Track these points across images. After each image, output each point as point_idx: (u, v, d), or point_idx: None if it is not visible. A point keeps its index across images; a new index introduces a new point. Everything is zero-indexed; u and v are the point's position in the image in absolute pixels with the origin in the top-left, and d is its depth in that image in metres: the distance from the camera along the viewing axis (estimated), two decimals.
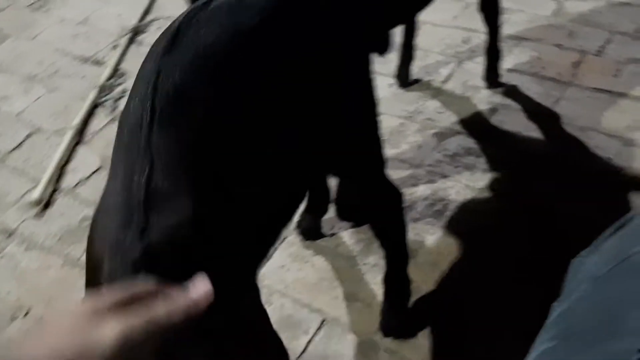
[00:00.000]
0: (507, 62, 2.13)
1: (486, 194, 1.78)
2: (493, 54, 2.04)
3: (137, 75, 0.93)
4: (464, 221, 1.73)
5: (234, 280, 0.87)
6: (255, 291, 0.95)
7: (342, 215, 1.74)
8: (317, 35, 1.04)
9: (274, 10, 0.98)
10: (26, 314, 1.67)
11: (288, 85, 0.98)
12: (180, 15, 0.95)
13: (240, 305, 0.86)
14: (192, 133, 0.86)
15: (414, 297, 1.56)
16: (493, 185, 1.81)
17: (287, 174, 1.02)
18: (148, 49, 0.95)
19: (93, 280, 0.85)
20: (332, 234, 1.74)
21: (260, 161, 0.94)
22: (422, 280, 1.59)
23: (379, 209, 1.38)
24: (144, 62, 0.94)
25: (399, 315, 1.53)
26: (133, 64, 2.40)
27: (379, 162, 1.27)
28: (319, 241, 1.73)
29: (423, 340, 1.50)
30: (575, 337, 0.51)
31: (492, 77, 2.08)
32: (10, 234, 1.88)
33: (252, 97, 0.94)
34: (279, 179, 1.00)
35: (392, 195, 1.35)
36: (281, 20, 0.99)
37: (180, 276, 0.66)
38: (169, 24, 0.96)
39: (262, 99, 0.95)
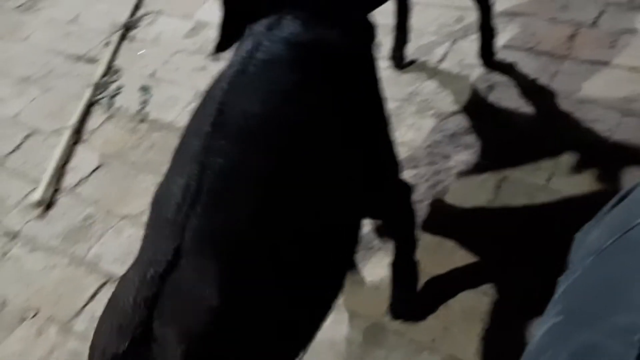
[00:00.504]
0: (502, 38, 2.11)
1: (487, 173, 1.78)
2: (487, 31, 2.03)
3: (180, 148, 0.92)
4: (466, 200, 1.73)
5: None
6: None
7: None
8: (343, 87, 1.03)
9: (302, 74, 0.97)
10: (35, 314, 1.68)
11: (328, 143, 0.97)
12: (219, 84, 0.94)
13: None
14: (242, 216, 0.83)
15: (421, 278, 1.57)
16: (493, 164, 1.80)
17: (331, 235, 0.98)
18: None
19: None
20: None
21: (308, 231, 0.91)
22: (427, 261, 1.60)
23: (391, 204, 1.39)
24: (187, 135, 0.92)
25: (407, 298, 1.53)
26: (126, 61, 2.39)
27: (397, 168, 1.30)
28: None
29: (431, 322, 1.51)
30: (581, 312, 0.50)
31: (487, 55, 2.07)
32: (14, 236, 1.89)
33: (301, 167, 0.91)
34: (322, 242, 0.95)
35: (404, 191, 1.36)
36: (310, 82, 0.98)
37: None
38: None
39: (310, 167, 0.93)
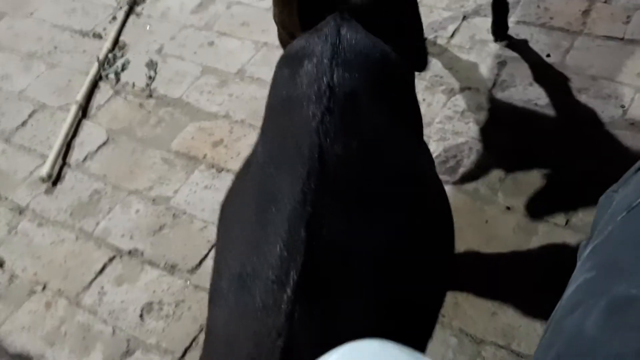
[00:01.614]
0: (514, 14, 2.08)
1: (498, 149, 1.76)
2: (500, 6, 2.00)
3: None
4: (477, 177, 1.71)
5: None
6: None
7: None
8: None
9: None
10: (43, 288, 1.68)
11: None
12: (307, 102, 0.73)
13: None
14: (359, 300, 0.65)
15: None
16: (505, 140, 1.78)
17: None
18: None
19: None
20: None
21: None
22: None
23: None
24: (269, 171, 0.71)
25: None
26: (133, 36, 2.37)
27: None
28: None
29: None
30: (615, 266, 0.49)
31: (499, 31, 2.04)
32: (21, 210, 1.88)
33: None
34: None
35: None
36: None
37: None
38: None
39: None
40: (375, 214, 0.70)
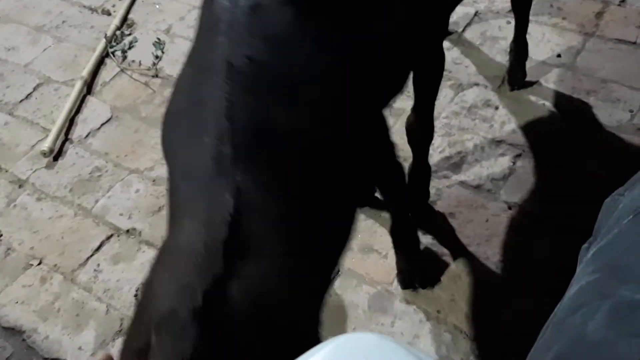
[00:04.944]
0: None
1: (503, 147, 1.75)
2: (520, 49, 1.87)
3: (193, 100, 0.83)
4: (480, 174, 1.70)
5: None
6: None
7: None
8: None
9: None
10: (39, 263, 1.67)
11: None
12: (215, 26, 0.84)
13: None
14: (286, 171, 0.77)
15: (432, 249, 1.55)
16: (510, 138, 1.77)
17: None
18: None
19: (140, 318, 0.72)
20: None
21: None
22: (440, 232, 1.58)
23: (385, 178, 1.38)
24: (193, 82, 0.84)
25: (412, 265, 1.51)
26: (142, 14, 2.35)
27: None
28: None
29: (438, 293, 1.49)
30: (620, 269, 0.48)
31: (516, 78, 1.89)
32: (21, 184, 1.87)
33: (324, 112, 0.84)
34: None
35: (397, 169, 1.36)
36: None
37: (256, 338, 0.63)
38: None
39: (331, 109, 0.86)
40: (289, 102, 0.82)
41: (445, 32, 1.58)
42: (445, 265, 1.53)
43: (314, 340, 0.77)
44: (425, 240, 1.57)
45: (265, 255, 0.71)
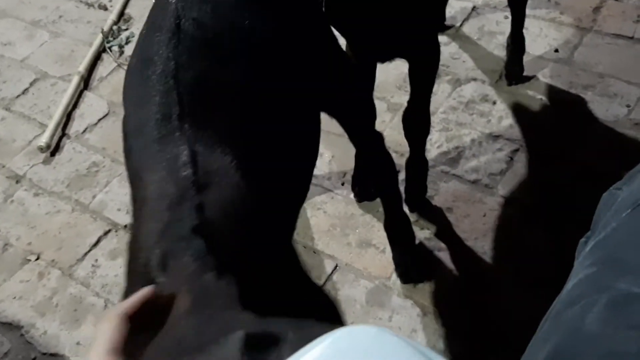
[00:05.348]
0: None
1: (501, 141, 1.75)
2: (517, 43, 1.87)
3: (142, 59, 0.89)
4: (478, 169, 1.70)
5: (280, 242, 0.87)
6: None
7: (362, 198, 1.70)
8: None
9: None
10: (37, 258, 1.67)
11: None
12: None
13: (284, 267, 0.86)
14: (228, 112, 0.84)
15: (429, 243, 1.55)
16: (508, 133, 1.77)
17: (299, 123, 1.01)
18: None
19: (136, 271, 0.77)
20: (343, 183, 1.72)
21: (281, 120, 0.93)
22: (437, 226, 1.58)
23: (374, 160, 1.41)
24: (146, 44, 0.90)
25: (408, 258, 1.52)
26: (139, 9, 2.34)
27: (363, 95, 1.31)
28: (330, 189, 1.71)
29: (437, 287, 1.49)
30: (618, 262, 0.48)
31: (514, 73, 1.90)
32: (18, 179, 1.87)
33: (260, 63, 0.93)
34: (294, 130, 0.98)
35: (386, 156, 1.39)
36: None
37: (238, 248, 0.69)
38: None
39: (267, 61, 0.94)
40: (229, 61, 0.89)
41: (440, 24, 1.60)
42: (442, 259, 1.54)
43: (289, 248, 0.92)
44: (423, 234, 1.58)
45: (228, 184, 0.78)
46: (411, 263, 1.52)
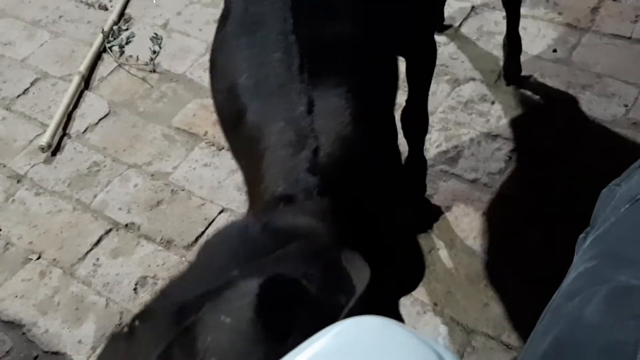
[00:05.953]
0: (522, 8, 2.07)
1: (499, 141, 1.76)
2: (513, 43, 1.88)
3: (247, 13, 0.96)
4: (477, 168, 1.71)
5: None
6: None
7: None
8: None
9: None
10: (39, 257, 1.68)
11: None
12: None
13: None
14: (340, 62, 0.91)
15: (427, 241, 1.56)
16: (507, 132, 1.78)
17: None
18: None
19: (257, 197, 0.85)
20: None
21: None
22: (436, 224, 1.59)
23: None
24: (250, 11, 0.96)
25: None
26: (139, 9, 2.35)
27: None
28: None
29: (435, 285, 1.50)
30: (617, 255, 0.49)
31: (512, 73, 1.91)
32: (19, 179, 1.87)
33: None
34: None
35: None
36: None
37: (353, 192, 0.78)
38: None
39: None
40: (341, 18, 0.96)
41: (437, 23, 1.63)
42: (442, 258, 1.55)
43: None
44: (422, 233, 1.59)
45: (341, 122, 0.85)
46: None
